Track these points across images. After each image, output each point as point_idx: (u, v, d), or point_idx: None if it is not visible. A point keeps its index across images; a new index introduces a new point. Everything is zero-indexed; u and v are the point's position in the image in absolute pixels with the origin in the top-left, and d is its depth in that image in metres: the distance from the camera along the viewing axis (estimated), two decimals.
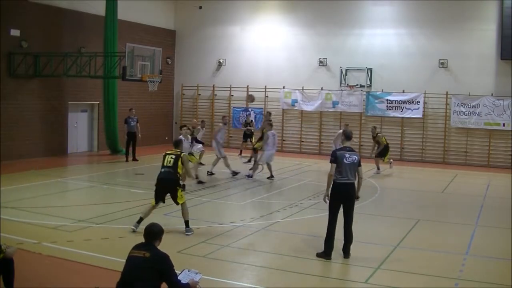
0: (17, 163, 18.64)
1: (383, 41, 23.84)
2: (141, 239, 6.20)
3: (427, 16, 23.17)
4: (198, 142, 17.34)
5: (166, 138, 26.37)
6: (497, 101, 21.94)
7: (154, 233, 6.09)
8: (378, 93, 23.78)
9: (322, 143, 24.81)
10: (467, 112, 22.44)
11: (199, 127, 18.68)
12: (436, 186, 17.48)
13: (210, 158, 20.23)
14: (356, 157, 9.03)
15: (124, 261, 5.99)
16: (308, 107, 24.99)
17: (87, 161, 21.39)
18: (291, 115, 25.69)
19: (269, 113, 20.52)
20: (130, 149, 20.35)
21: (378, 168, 19.12)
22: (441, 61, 22.89)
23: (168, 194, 10.41)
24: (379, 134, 19.58)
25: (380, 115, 23.76)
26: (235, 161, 19.92)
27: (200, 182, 15.65)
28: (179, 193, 10.32)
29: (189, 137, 15.62)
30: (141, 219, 10.12)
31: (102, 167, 19.62)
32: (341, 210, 9.09)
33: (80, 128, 22.81)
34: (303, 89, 25.02)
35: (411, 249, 9.91)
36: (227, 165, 17.29)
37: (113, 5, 21.05)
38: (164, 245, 6.35)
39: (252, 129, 23.08)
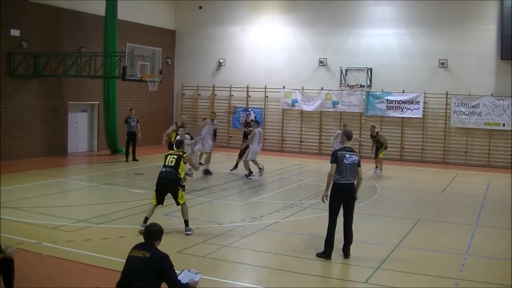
0: (17, 163, 18.65)
1: (383, 41, 23.84)
2: (141, 239, 6.20)
3: (427, 16, 23.17)
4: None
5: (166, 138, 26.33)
6: (497, 101, 21.94)
7: (154, 233, 6.09)
8: (378, 93, 23.78)
9: (322, 143, 24.81)
10: (467, 112, 22.44)
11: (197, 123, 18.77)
12: (436, 186, 17.48)
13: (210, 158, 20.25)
14: (356, 158, 9.03)
15: (124, 261, 5.99)
16: (308, 107, 24.99)
17: (87, 161, 21.39)
18: (291, 115, 25.69)
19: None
20: (130, 149, 20.35)
21: (377, 167, 19.18)
22: (441, 61, 22.89)
23: (169, 195, 10.41)
24: (379, 133, 19.51)
25: (380, 115, 23.76)
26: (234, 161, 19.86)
27: (207, 172, 17.07)
28: (180, 193, 10.32)
29: (187, 136, 15.56)
30: (146, 219, 10.12)
31: (102, 167, 19.62)
32: (341, 210, 9.10)
33: (80, 128, 22.82)
34: (303, 89, 25.02)
35: (411, 249, 9.91)
36: (207, 161, 17.53)
37: (113, 5, 21.05)
38: (164, 245, 6.35)
39: (251, 129, 23.00)
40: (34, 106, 20.22)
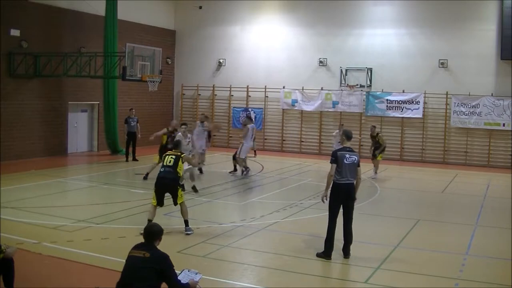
0: (17, 163, 18.65)
1: (383, 41, 23.84)
2: (141, 239, 6.20)
3: (427, 16, 23.17)
4: None
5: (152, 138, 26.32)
6: (497, 101, 21.94)
7: (154, 233, 6.09)
8: (378, 93, 23.78)
9: (322, 143, 24.81)
10: (467, 112, 22.44)
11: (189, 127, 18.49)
12: (436, 186, 17.48)
13: (210, 158, 20.29)
14: (356, 158, 9.04)
15: (124, 261, 5.99)
16: (308, 107, 24.99)
17: (87, 161, 21.39)
18: (291, 115, 25.69)
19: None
20: (130, 149, 20.35)
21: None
22: (441, 61, 22.89)
23: (168, 195, 10.41)
24: (379, 134, 19.14)
25: (380, 115, 23.76)
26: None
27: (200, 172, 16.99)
28: (179, 192, 10.33)
29: (188, 135, 15.53)
30: (150, 222, 10.08)
31: (102, 167, 19.63)
32: (340, 211, 9.10)
33: (80, 128, 22.82)
34: (303, 89, 25.02)
35: (411, 249, 9.91)
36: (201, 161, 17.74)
37: (113, 5, 21.06)
38: (164, 245, 6.35)
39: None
40: (34, 106, 20.22)
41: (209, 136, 18.36)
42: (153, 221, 8.70)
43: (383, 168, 19.43)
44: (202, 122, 17.34)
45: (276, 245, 9.95)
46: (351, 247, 9.11)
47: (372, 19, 24.11)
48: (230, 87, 26.56)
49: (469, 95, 22.39)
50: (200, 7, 26.88)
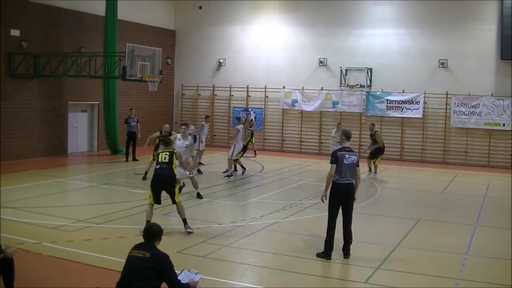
0: (17, 163, 18.66)
1: (383, 41, 23.84)
2: (141, 239, 6.20)
3: (427, 16, 23.17)
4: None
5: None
6: (497, 101, 21.94)
7: (153, 233, 6.09)
8: (378, 93, 23.78)
9: (322, 143, 24.80)
10: (467, 112, 22.44)
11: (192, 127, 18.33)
12: (436, 186, 17.48)
13: (210, 158, 20.29)
14: (355, 158, 9.05)
15: (124, 261, 5.99)
16: (308, 107, 24.99)
17: (87, 161, 21.39)
18: (291, 115, 25.69)
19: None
20: (130, 149, 20.35)
21: (370, 170, 17.93)
22: (441, 61, 22.90)
23: (166, 195, 10.39)
24: (377, 132, 18.71)
25: (380, 115, 23.76)
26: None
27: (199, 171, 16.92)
28: (176, 190, 10.34)
29: (189, 137, 15.09)
30: (148, 223, 10.08)
31: (102, 167, 19.63)
32: (340, 211, 9.10)
33: (80, 128, 22.82)
34: (303, 89, 25.03)
35: (411, 249, 9.91)
36: (197, 156, 18.08)
37: (113, 5, 21.06)
38: (164, 245, 6.35)
39: (252, 129, 23.04)
40: (34, 106, 20.22)
41: (194, 140, 17.76)
42: (153, 221, 8.69)
43: (383, 168, 19.43)
44: (186, 125, 15.56)
45: (276, 245, 9.95)
46: (351, 247, 9.11)
47: (372, 19, 24.11)
48: (230, 87, 26.56)
49: (469, 95, 22.39)
50: (200, 7, 26.89)
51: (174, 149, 10.81)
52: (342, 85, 24.16)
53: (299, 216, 12.32)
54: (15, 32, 19.31)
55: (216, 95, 26.97)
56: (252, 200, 14.27)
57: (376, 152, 18.01)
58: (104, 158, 21.42)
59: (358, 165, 9.07)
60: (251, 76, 26.10)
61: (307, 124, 25.38)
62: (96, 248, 9.18)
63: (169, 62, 27.12)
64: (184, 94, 27.56)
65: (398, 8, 23.86)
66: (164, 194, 10.38)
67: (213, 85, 26.92)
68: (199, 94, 27.29)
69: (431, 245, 10.19)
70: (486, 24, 22.41)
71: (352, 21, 24.38)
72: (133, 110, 20.68)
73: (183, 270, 6.24)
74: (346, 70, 24.03)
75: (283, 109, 25.59)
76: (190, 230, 10.25)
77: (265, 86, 25.74)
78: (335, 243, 9.07)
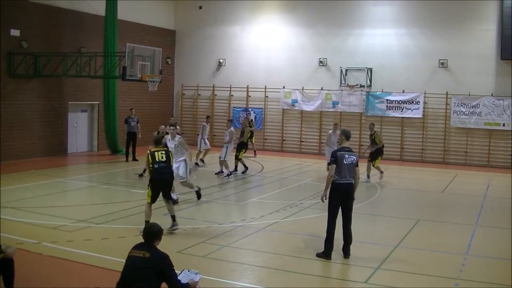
0: (17, 163, 18.65)
1: (383, 41, 23.84)
2: (141, 239, 6.20)
3: (427, 16, 23.17)
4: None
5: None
6: (497, 101, 21.94)
7: (153, 233, 6.08)
8: (378, 93, 23.78)
9: (322, 143, 24.76)
10: (467, 112, 22.44)
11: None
12: (436, 186, 17.47)
13: (210, 158, 20.29)
14: (355, 158, 9.06)
15: (124, 261, 5.99)
16: (308, 107, 24.99)
17: (87, 161, 21.39)
18: (291, 115, 25.69)
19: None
20: (130, 149, 20.34)
21: (368, 176, 17.13)
22: (441, 61, 22.90)
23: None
24: (376, 132, 18.00)
25: (380, 115, 23.75)
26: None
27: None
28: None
29: (176, 138, 13.37)
30: (147, 223, 10.08)
31: (102, 167, 19.63)
32: (340, 211, 9.10)
33: (80, 128, 22.82)
34: (303, 89, 25.03)
35: (411, 249, 9.91)
36: (197, 156, 19.06)
37: (113, 5, 21.06)
38: (164, 245, 6.35)
39: (252, 129, 23.05)
40: (34, 106, 20.22)
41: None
42: (153, 221, 8.69)
43: (383, 168, 19.37)
44: (174, 126, 14.11)
45: (276, 245, 9.95)
46: (351, 247, 9.11)
47: (372, 19, 24.11)
48: (230, 87, 26.56)
49: (469, 95, 22.39)
50: (200, 7, 26.89)
51: (167, 148, 10.82)
52: (342, 85, 24.16)
53: (299, 216, 12.32)
54: (15, 32, 19.31)
55: (216, 95, 26.97)
56: (252, 200, 14.27)
57: (375, 154, 17.42)
58: (104, 158, 21.42)
59: (357, 165, 9.08)
60: (251, 76, 26.10)
61: (307, 124, 25.37)
62: (96, 248, 9.18)
63: (169, 62, 27.12)
64: (184, 94, 27.56)
65: (398, 8, 23.86)
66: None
67: (213, 85, 26.92)
68: (199, 94, 27.29)
69: (431, 245, 10.19)
70: (486, 24, 22.41)
71: (352, 21, 24.38)
72: (133, 110, 20.67)
73: (183, 270, 6.23)
74: (346, 70, 24.03)
75: (283, 109, 25.59)
76: (175, 228, 10.19)
77: (265, 86, 25.74)
78: (335, 243, 9.07)
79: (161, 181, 10.28)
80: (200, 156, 19.84)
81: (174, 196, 12.38)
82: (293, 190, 15.94)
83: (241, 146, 18.07)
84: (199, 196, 13.40)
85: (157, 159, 10.28)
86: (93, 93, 22.41)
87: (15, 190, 13.94)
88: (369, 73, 23.75)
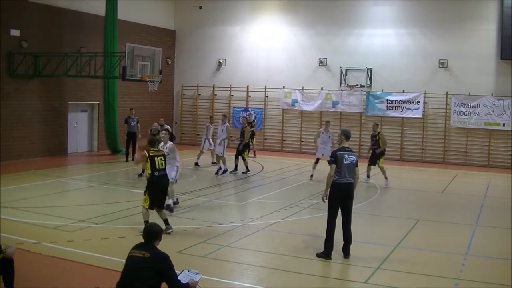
0: (17, 163, 18.65)
1: (383, 41, 23.84)
2: (141, 239, 6.20)
3: (427, 16, 23.17)
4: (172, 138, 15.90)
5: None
6: (497, 101, 21.94)
7: (153, 233, 6.08)
8: (378, 93, 23.78)
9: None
10: (467, 112, 22.44)
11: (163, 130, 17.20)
12: (436, 186, 17.47)
13: (210, 158, 20.26)
14: (355, 158, 9.07)
15: (124, 261, 5.99)
16: (308, 107, 24.99)
17: (87, 161, 21.39)
18: (291, 115, 25.69)
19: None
20: (130, 149, 20.33)
21: (368, 176, 16.86)
22: (441, 61, 22.90)
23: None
24: (381, 133, 17.39)
25: (380, 115, 23.75)
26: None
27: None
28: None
29: (168, 141, 12.67)
30: (146, 223, 10.07)
31: (102, 167, 19.62)
32: (340, 211, 9.10)
33: (80, 128, 22.82)
34: (303, 89, 25.03)
35: (411, 249, 9.91)
36: (198, 156, 19.20)
37: (113, 5, 21.06)
38: (164, 245, 6.35)
39: (253, 129, 23.05)
40: (34, 106, 20.22)
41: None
42: (153, 221, 8.69)
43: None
44: (167, 130, 14.06)
45: (276, 245, 9.95)
46: (351, 247, 9.11)
47: (372, 19, 24.11)
48: (230, 87, 26.56)
49: (469, 95, 22.39)
50: (200, 7, 26.90)
51: (163, 152, 10.78)
52: (342, 85, 24.16)
53: (299, 216, 12.32)
54: (15, 32, 19.31)
55: (216, 95, 26.97)
56: (252, 200, 14.27)
57: (374, 157, 16.89)
58: (104, 158, 21.42)
59: (357, 165, 9.09)
60: (251, 76, 26.10)
61: (307, 124, 25.37)
62: (96, 248, 9.18)
63: (169, 62, 27.12)
64: (184, 94, 27.56)
65: (398, 8, 23.86)
66: None
67: (213, 85, 26.92)
68: (199, 94, 27.29)
69: (431, 245, 10.19)
70: (486, 24, 22.41)
71: (352, 21, 24.38)
72: (133, 110, 20.66)
73: (183, 270, 6.23)
74: (346, 70, 24.03)
75: (283, 109, 25.59)
76: (170, 230, 10.15)
77: (265, 86, 25.74)
78: (335, 243, 9.07)
79: (161, 189, 10.33)
80: (212, 159, 19.67)
81: (174, 197, 12.36)
82: (293, 190, 15.94)
83: (245, 147, 18.14)
84: (171, 209, 11.89)
85: (157, 167, 10.17)
86: (93, 93, 22.41)
87: (15, 190, 13.94)
88: (369, 73, 23.75)
